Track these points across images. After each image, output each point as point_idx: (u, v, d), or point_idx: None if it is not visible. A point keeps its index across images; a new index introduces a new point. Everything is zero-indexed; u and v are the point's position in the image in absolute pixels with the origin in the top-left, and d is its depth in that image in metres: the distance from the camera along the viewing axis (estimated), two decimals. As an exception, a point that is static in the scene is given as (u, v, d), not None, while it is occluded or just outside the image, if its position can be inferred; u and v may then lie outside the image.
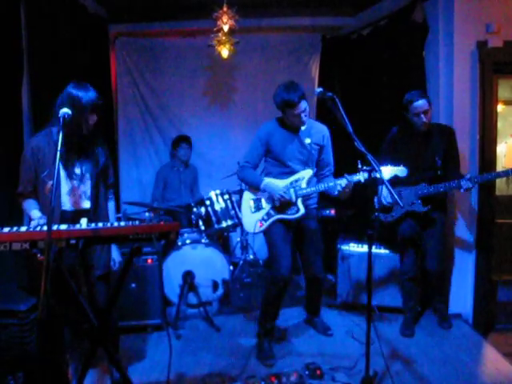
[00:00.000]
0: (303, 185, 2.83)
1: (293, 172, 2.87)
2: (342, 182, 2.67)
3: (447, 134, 3.10)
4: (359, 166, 2.58)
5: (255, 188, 2.90)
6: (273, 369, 2.66)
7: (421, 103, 2.94)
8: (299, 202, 2.82)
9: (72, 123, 2.09)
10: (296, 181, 2.85)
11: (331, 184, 2.73)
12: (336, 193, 2.71)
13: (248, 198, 2.97)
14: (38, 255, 1.76)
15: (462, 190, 2.90)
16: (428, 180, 3.06)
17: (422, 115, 2.94)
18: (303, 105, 2.72)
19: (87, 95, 2.16)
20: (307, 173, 2.86)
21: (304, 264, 3.09)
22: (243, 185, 4.10)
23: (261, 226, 2.87)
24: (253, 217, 2.91)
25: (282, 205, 2.82)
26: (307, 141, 2.85)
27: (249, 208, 2.94)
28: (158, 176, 4.42)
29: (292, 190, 2.81)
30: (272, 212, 2.86)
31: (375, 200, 3.07)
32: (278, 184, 2.84)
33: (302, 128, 2.86)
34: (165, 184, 4.40)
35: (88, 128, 2.23)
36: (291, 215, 2.83)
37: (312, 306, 3.27)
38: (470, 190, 2.90)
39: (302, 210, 2.81)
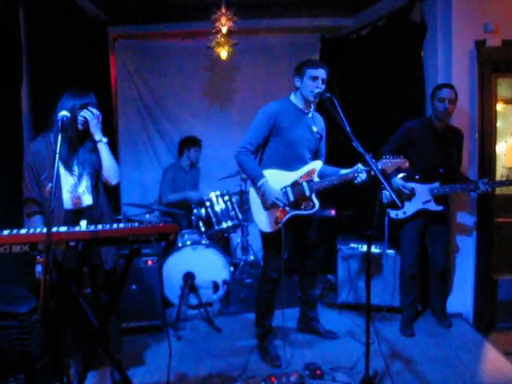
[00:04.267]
0: (315, 178, 2.73)
1: (302, 160, 2.75)
2: (363, 175, 2.58)
3: (461, 136, 3.19)
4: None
5: (251, 180, 2.72)
6: (277, 369, 2.66)
7: (447, 90, 3.01)
8: (313, 197, 2.72)
9: (69, 125, 2.18)
10: (307, 173, 2.74)
11: (350, 174, 2.61)
12: (359, 180, 2.59)
13: (256, 193, 2.75)
14: (38, 257, 1.77)
15: (476, 192, 2.99)
16: (441, 179, 3.10)
17: (447, 102, 2.99)
18: (323, 72, 2.66)
19: (82, 101, 2.25)
20: (318, 164, 2.77)
21: (304, 255, 3.01)
22: (243, 185, 4.12)
23: (277, 225, 2.69)
24: (267, 214, 2.71)
25: (297, 200, 2.71)
26: (314, 128, 2.80)
27: (260, 204, 2.73)
28: (167, 173, 4.32)
29: (305, 184, 2.70)
30: (287, 209, 2.69)
31: (383, 195, 3.09)
32: (274, 187, 2.65)
33: (310, 112, 2.82)
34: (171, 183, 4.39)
35: (82, 126, 2.29)
36: (308, 211, 2.72)
37: (309, 302, 3.17)
38: (483, 193, 2.96)
39: (318, 205, 2.72)
